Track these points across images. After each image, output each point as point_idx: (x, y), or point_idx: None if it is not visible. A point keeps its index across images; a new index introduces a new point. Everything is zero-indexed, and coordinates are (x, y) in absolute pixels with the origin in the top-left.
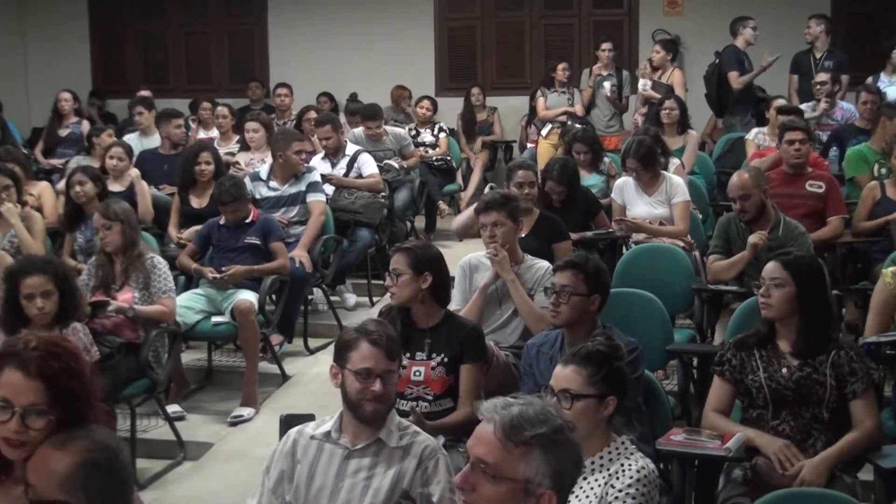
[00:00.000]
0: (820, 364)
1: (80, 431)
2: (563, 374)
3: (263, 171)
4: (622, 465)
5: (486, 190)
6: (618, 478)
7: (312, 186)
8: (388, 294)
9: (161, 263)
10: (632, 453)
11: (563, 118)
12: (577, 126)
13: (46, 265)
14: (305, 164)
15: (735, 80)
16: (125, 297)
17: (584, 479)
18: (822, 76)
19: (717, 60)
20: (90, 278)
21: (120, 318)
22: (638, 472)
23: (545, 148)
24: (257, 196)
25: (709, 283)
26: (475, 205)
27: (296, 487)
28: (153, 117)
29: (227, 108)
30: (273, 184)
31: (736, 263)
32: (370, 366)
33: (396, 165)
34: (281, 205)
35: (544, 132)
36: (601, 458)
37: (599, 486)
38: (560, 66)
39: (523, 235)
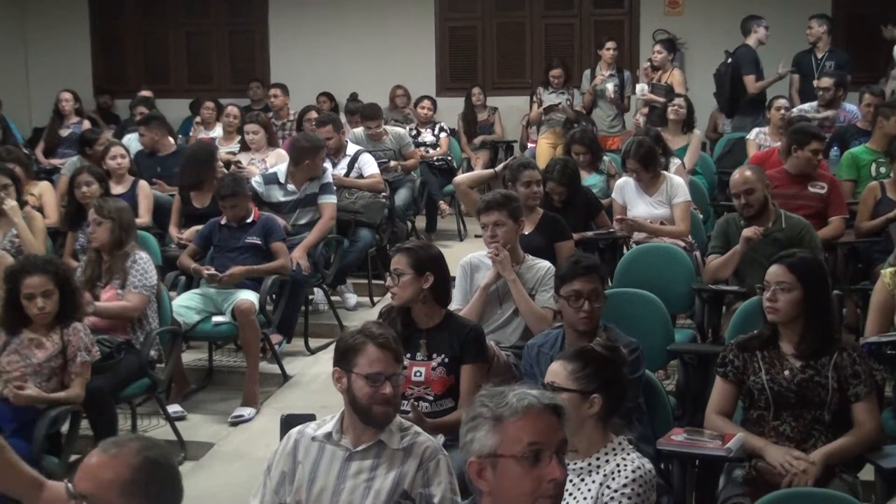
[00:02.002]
0: (822, 366)
1: (125, 436)
2: (551, 369)
3: (281, 173)
4: (618, 465)
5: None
6: (613, 478)
7: (326, 188)
8: (388, 294)
9: (142, 260)
10: (628, 453)
11: (560, 115)
12: (583, 125)
13: (47, 265)
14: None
15: (752, 84)
16: (108, 295)
17: (581, 479)
18: (826, 81)
19: (730, 60)
20: (81, 275)
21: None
22: (633, 471)
23: (543, 148)
24: (273, 200)
25: (708, 282)
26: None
27: (296, 489)
28: None
29: (237, 109)
30: (291, 187)
31: (730, 259)
32: (380, 369)
33: (392, 165)
34: (297, 207)
35: (541, 132)
36: (597, 458)
37: (596, 486)
38: (553, 73)
39: (527, 233)
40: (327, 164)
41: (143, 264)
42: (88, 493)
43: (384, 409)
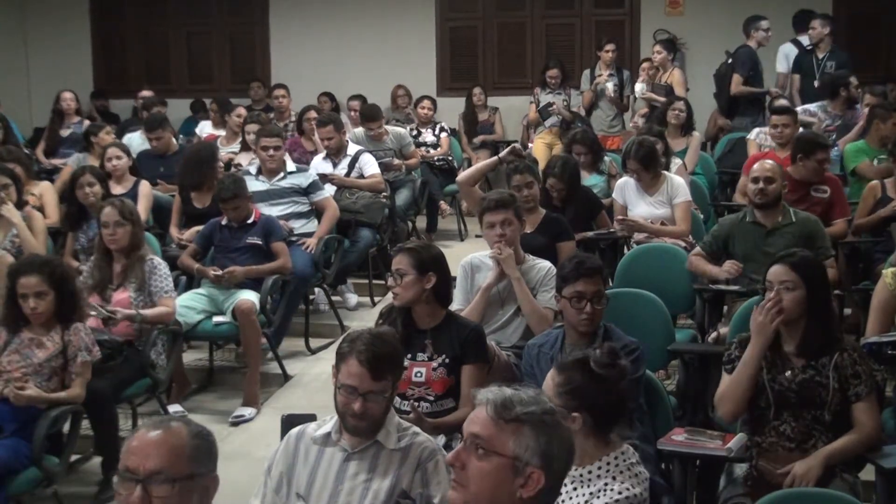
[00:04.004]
0: (823, 366)
1: (160, 418)
2: (548, 374)
3: (253, 167)
4: (606, 484)
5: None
6: (598, 497)
7: (314, 186)
8: (389, 294)
9: (161, 265)
10: (621, 472)
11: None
12: (578, 126)
13: (43, 266)
14: (299, 165)
15: (737, 83)
16: (121, 298)
17: (574, 488)
18: (855, 81)
19: (730, 60)
20: (88, 277)
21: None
22: (619, 494)
23: (540, 148)
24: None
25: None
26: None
27: (296, 490)
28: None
29: (244, 110)
30: (262, 178)
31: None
32: (354, 384)
33: (396, 164)
34: (269, 198)
35: (537, 131)
36: (590, 472)
37: (583, 499)
38: (549, 73)
39: (529, 232)
40: (327, 163)
41: (164, 269)
42: (161, 468)
43: (355, 422)
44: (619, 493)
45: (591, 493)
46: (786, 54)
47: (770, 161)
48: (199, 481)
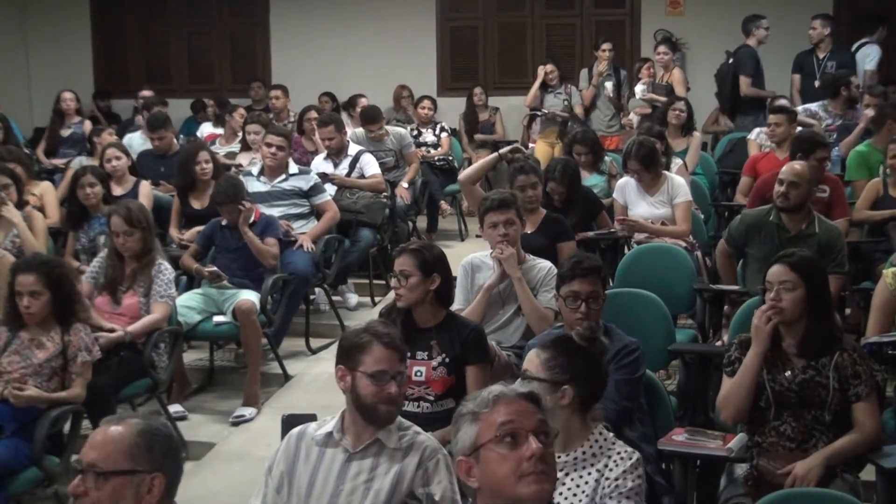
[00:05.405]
0: (823, 367)
1: (126, 413)
2: (527, 356)
3: (255, 168)
4: (610, 457)
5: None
6: (611, 469)
7: (315, 189)
8: (389, 294)
9: (167, 270)
10: (613, 443)
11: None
12: (577, 127)
13: (40, 266)
14: (301, 167)
15: (746, 85)
16: (130, 302)
17: (567, 474)
18: (856, 80)
19: (731, 60)
20: (99, 275)
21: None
22: (630, 459)
23: (542, 148)
24: (249, 190)
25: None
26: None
27: (296, 490)
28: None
29: (244, 110)
30: (263, 178)
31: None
32: (386, 368)
33: (406, 198)
34: (269, 199)
35: (540, 129)
36: (584, 452)
37: (592, 479)
38: (546, 70)
39: (529, 233)
40: (328, 163)
41: (168, 274)
42: (96, 461)
43: (388, 408)
44: (630, 458)
45: (599, 470)
46: (867, 53)
47: (801, 164)
48: (136, 478)
